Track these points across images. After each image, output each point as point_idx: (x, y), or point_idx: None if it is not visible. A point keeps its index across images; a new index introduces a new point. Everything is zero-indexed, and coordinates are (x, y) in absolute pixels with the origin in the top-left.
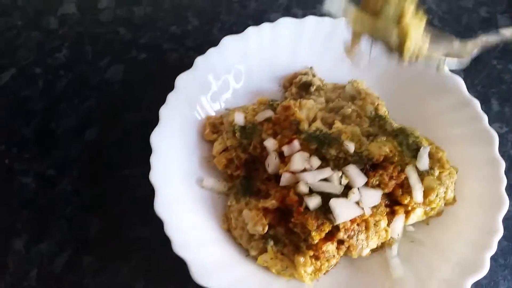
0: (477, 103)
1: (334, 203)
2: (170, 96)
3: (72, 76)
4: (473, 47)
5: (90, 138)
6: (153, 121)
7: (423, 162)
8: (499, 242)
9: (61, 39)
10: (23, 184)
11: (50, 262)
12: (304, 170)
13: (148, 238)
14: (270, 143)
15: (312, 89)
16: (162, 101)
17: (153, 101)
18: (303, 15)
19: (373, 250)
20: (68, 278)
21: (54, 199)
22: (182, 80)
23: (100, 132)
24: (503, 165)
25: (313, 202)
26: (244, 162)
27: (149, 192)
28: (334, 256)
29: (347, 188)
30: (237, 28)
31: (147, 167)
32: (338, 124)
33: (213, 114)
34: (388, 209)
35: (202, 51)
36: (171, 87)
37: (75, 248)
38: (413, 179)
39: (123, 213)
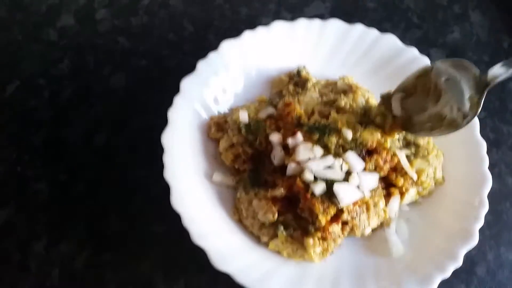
0: None
1: (337, 187)
2: (177, 99)
3: (76, 86)
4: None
5: (99, 143)
6: (158, 124)
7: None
8: (485, 216)
9: (62, 51)
10: (38, 189)
11: (71, 261)
12: (308, 159)
13: (164, 233)
14: (275, 137)
15: (309, 85)
16: (165, 104)
17: (157, 105)
18: (292, 19)
19: (373, 230)
20: (89, 275)
21: (69, 203)
22: (186, 83)
23: (109, 137)
24: (484, 145)
25: (319, 188)
26: (250, 156)
27: (161, 191)
28: (339, 236)
29: (348, 174)
30: (231, 33)
31: (156, 168)
32: (334, 114)
33: (216, 114)
34: (385, 192)
35: (199, 56)
36: (172, 91)
37: (95, 246)
38: (403, 159)
39: (139, 212)
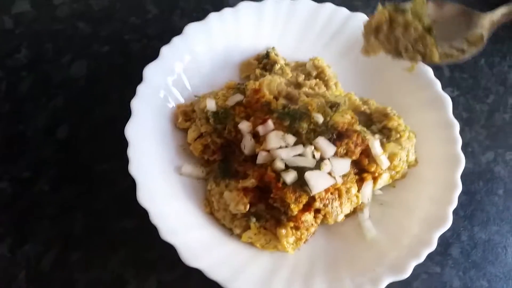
0: (429, 70)
1: (309, 175)
2: (140, 88)
3: (35, 76)
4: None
5: (61, 136)
6: (123, 114)
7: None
8: (458, 196)
9: (19, 39)
10: None
11: (37, 262)
12: (279, 148)
13: (133, 230)
14: (245, 126)
15: (277, 67)
16: (130, 93)
17: (121, 93)
18: None
19: (347, 216)
20: (57, 276)
21: (33, 201)
22: (150, 70)
23: (71, 129)
24: (457, 126)
25: (290, 177)
26: (220, 146)
27: (128, 184)
28: (312, 224)
29: (319, 161)
30: (197, 14)
31: (122, 161)
32: (303, 97)
33: (183, 102)
34: (357, 177)
35: (164, 40)
36: (137, 78)
37: (62, 246)
38: (377, 147)
39: (105, 208)
